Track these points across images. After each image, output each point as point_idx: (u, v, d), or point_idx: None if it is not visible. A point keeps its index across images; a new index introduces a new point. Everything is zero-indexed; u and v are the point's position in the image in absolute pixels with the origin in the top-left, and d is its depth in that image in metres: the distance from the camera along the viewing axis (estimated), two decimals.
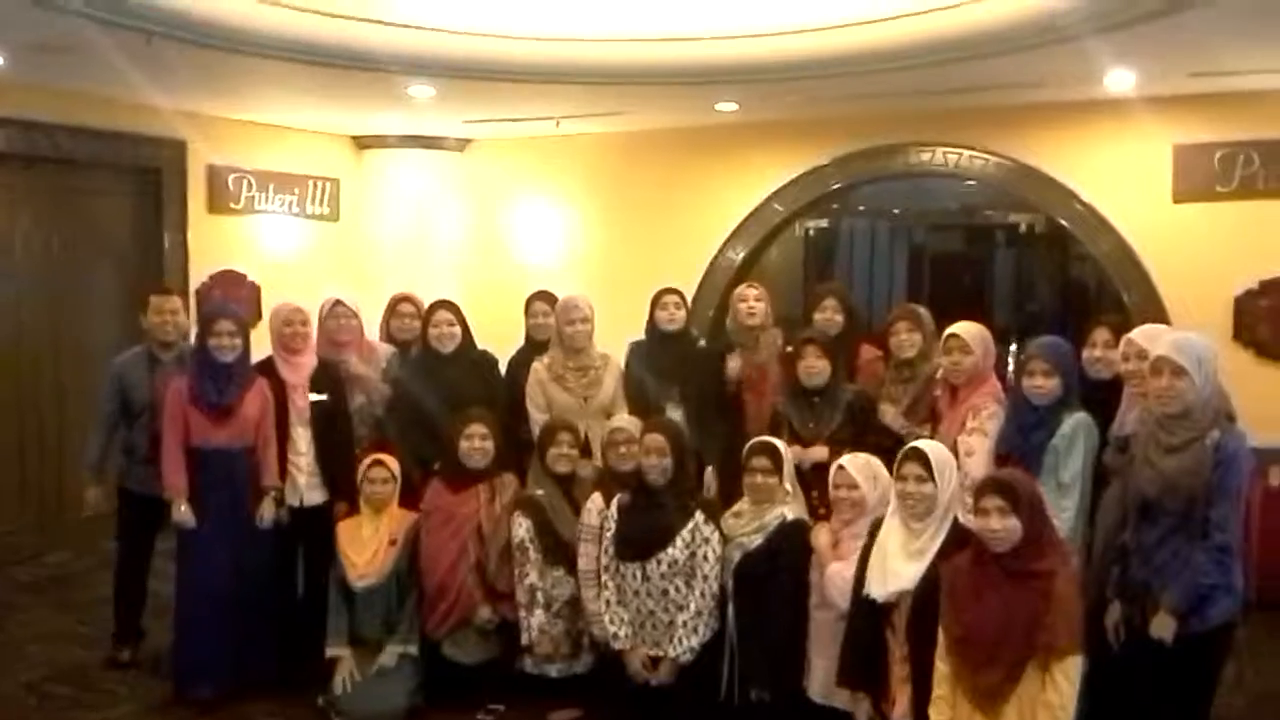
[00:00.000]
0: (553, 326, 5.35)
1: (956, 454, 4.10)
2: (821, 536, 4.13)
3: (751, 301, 5.27)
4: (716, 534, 4.30)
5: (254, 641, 4.80)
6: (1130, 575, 3.59)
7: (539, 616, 4.57)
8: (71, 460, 6.73)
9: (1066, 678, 3.26)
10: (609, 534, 4.42)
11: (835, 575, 3.99)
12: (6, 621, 5.63)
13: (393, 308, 5.52)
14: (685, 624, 4.27)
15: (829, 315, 5.16)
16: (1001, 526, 3.36)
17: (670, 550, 4.28)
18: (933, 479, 3.73)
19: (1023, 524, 3.36)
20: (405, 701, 4.59)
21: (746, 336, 5.27)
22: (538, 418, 5.10)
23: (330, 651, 4.65)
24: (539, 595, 4.58)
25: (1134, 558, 3.58)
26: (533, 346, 5.50)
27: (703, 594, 4.26)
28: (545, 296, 5.60)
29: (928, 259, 10.52)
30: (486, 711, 4.62)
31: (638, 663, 4.32)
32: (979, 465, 4.13)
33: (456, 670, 4.68)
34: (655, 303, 5.32)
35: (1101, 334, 4.31)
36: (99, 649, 5.31)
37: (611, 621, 4.36)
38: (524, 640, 4.59)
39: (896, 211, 9.75)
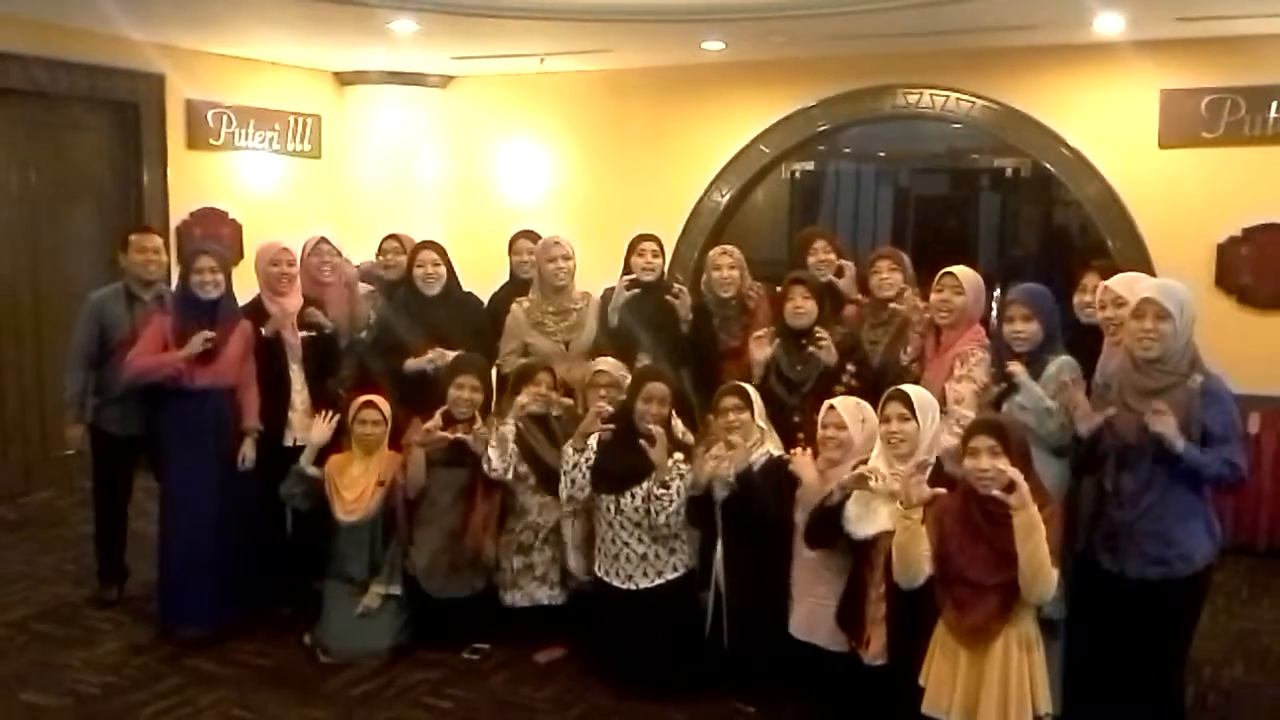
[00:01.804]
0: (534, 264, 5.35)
1: (943, 401, 4.12)
2: (807, 468, 4.12)
3: (725, 270, 5.18)
4: (688, 470, 4.34)
5: (241, 581, 4.81)
6: (1112, 519, 3.62)
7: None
8: (52, 399, 6.68)
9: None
10: (586, 465, 4.46)
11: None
12: None
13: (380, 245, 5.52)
14: (646, 557, 4.35)
15: (820, 258, 5.13)
16: (991, 466, 3.38)
17: (645, 484, 4.32)
18: (915, 418, 3.76)
19: (1011, 465, 3.38)
20: (391, 640, 4.63)
21: (722, 307, 5.22)
22: (511, 361, 5.09)
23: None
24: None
25: (1114, 502, 3.61)
26: (516, 285, 5.49)
27: (669, 521, 4.32)
28: (529, 235, 5.59)
29: (913, 202, 10.54)
30: (471, 650, 4.66)
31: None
32: (968, 409, 4.12)
33: (440, 608, 4.71)
34: (632, 249, 5.27)
35: (1092, 279, 4.31)
36: (84, 587, 5.32)
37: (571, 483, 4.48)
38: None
39: (882, 154, 9.73)
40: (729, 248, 5.32)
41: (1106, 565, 3.64)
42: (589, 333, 5.19)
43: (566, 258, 5.16)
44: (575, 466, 4.48)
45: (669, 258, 5.80)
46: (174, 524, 4.79)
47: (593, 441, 4.48)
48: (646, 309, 5.20)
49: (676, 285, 5.32)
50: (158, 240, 5.19)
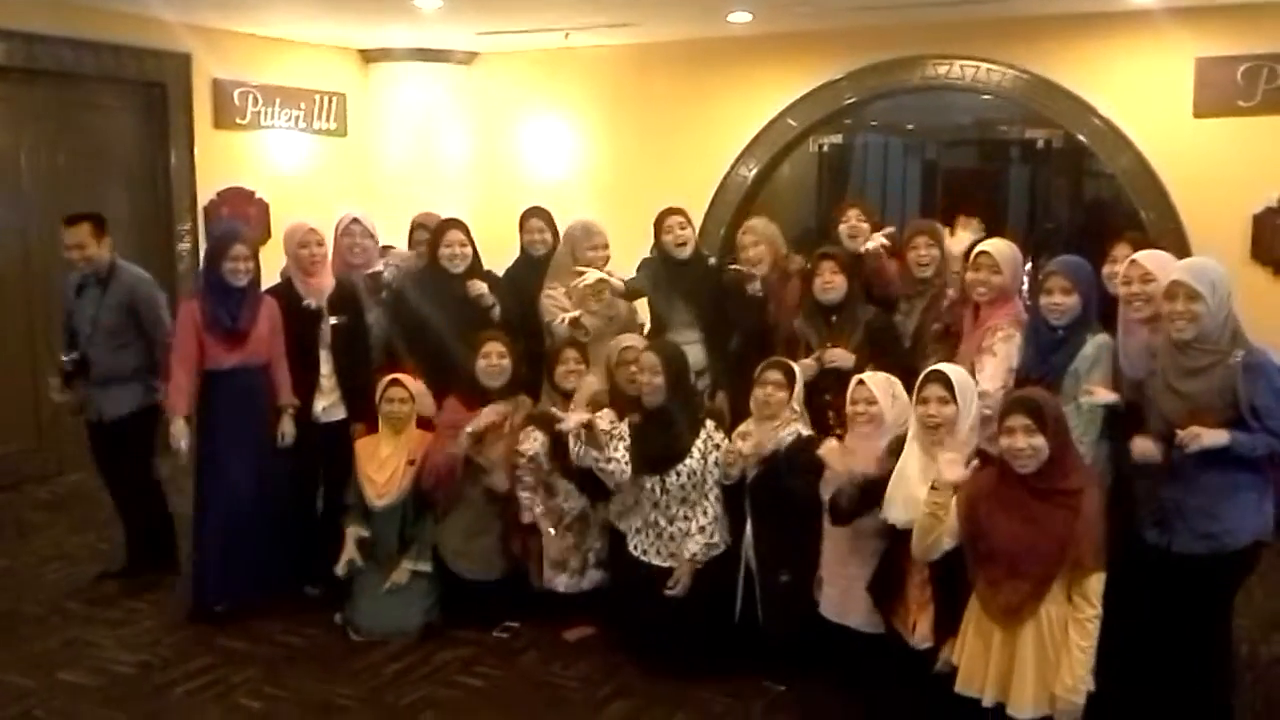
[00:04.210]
0: (546, 242, 5.36)
1: (974, 374, 4.07)
2: (834, 454, 4.06)
3: (750, 249, 5.09)
4: (725, 439, 4.33)
5: (273, 559, 4.83)
6: (1159, 495, 3.56)
7: (547, 521, 4.62)
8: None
9: (1095, 594, 3.26)
10: (623, 445, 4.42)
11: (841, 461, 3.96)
12: (27, 540, 5.66)
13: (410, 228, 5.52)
14: (703, 529, 4.31)
15: (852, 224, 5.05)
16: (1028, 445, 3.33)
17: (688, 462, 4.30)
18: (955, 401, 3.69)
19: (1049, 443, 3.33)
20: (421, 619, 4.64)
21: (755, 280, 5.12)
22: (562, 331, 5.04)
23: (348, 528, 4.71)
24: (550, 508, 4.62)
25: (1162, 478, 3.55)
26: (529, 263, 5.45)
27: (716, 500, 4.31)
28: (540, 213, 5.52)
29: (942, 175, 10.43)
30: (502, 629, 4.66)
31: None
32: (986, 382, 4.04)
33: (469, 588, 4.71)
34: (659, 226, 5.20)
35: (1123, 249, 4.23)
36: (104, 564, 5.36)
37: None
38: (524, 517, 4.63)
39: (911, 127, 9.62)
40: (753, 224, 5.24)
41: (1152, 540, 3.59)
42: (624, 307, 5.17)
43: (605, 246, 5.14)
44: (610, 460, 4.42)
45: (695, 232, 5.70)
46: (208, 502, 4.81)
47: (625, 428, 4.45)
48: (682, 285, 5.15)
49: (733, 267, 5.24)
50: (78, 234, 5.00)
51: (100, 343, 4.98)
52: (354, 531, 4.71)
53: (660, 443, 4.35)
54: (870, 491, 3.78)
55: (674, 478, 4.32)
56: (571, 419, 4.41)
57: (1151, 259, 3.83)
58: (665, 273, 5.19)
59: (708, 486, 4.33)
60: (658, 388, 4.34)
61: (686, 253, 5.18)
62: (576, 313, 5.00)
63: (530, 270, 5.36)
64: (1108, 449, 3.88)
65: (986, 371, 4.08)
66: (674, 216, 5.21)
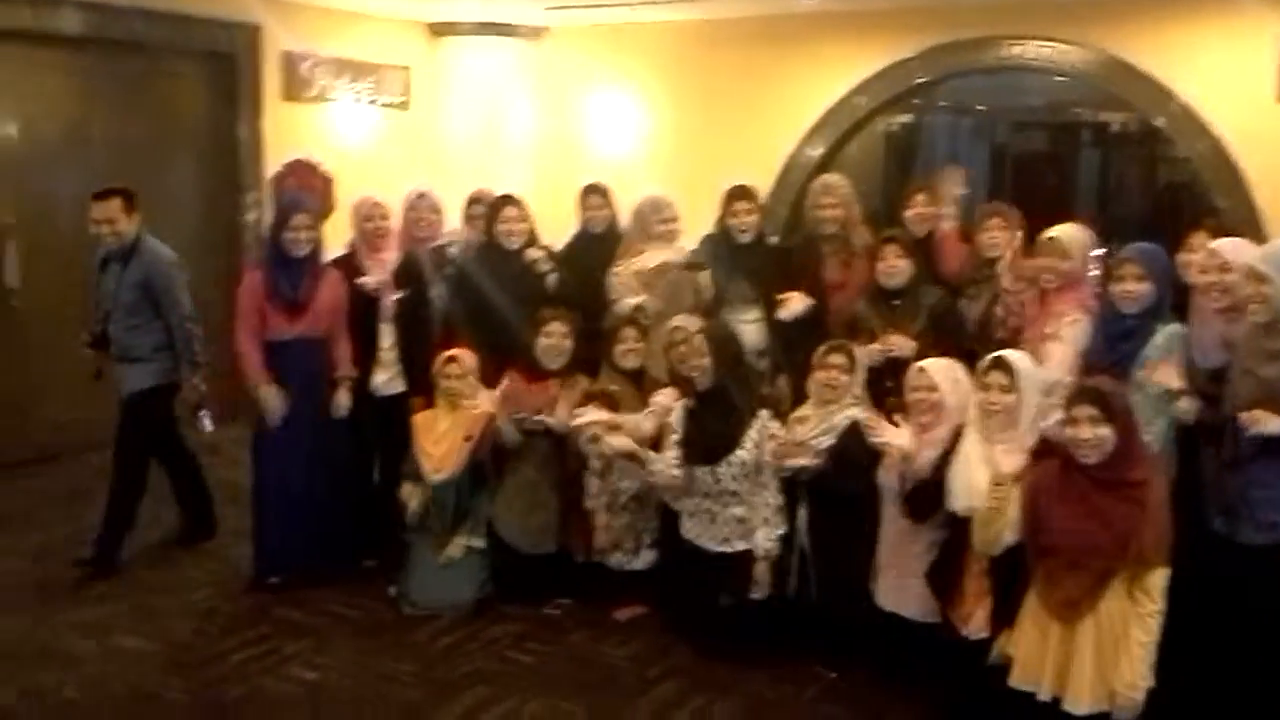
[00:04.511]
0: (606, 219, 5.32)
1: (1038, 359, 3.98)
2: (892, 435, 3.99)
3: (827, 209, 5.01)
4: (781, 429, 4.25)
5: (330, 530, 4.86)
6: (1227, 484, 3.48)
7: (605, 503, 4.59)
8: None
9: (1158, 590, 3.20)
10: (674, 436, 4.37)
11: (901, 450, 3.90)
12: (84, 508, 5.75)
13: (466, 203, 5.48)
14: (766, 521, 4.23)
15: (918, 211, 4.97)
16: (1093, 435, 3.25)
17: (740, 452, 4.23)
18: (1017, 388, 3.61)
19: (1115, 433, 3.25)
20: (473, 593, 4.65)
21: (827, 241, 5.04)
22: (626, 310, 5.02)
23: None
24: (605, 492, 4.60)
25: (1230, 467, 3.46)
26: (587, 238, 5.42)
27: (774, 490, 4.23)
28: (598, 189, 5.46)
29: (1011, 158, 10.25)
30: (553, 606, 4.67)
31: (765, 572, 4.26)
32: (1052, 369, 3.96)
33: (521, 563, 4.71)
34: (725, 208, 5.11)
35: (1200, 238, 4.11)
36: (168, 531, 5.42)
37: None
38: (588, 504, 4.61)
39: (981, 108, 9.45)
40: (832, 183, 5.13)
41: (1218, 529, 3.49)
42: (691, 289, 5.06)
43: (676, 218, 5.09)
44: (654, 471, 4.38)
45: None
46: (267, 473, 4.85)
47: (679, 413, 4.40)
48: (744, 264, 5.05)
49: None
50: (108, 208, 4.93)
51: (120, 319, 4.93)
52: (410, 487, 4.70)
53: (711, 431, 4.28)
54: (941, 485, 3.71)
55: (725, 468, 4.25)
56: (614, 441, 4.40)
57: (1230, 247, 3.73)
58: (727, 251, 5.11)
59: (764, 477, 4.24)
60: (705, 369, 4.28)
61: (749, 238, 5.09)
62: (641, 298, 4.96)
63: (588, 246, 5.33)
64: (1172, 438, 3.79)
65: (1054, 358, 4.00)
66: (740, 201, 5.09)
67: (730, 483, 4.26)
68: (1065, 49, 6.70)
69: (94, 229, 4.94)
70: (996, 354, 3.74)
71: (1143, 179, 9.11)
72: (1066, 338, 4.04)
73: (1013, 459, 3.43)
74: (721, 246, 5.13)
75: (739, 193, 5.13)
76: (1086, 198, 9.57)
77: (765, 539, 4.21)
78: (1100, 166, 9.60)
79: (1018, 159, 9.94)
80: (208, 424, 4.83)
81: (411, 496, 4.68)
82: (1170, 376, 3.69)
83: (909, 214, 4.98)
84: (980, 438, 3.67)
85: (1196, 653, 3.41)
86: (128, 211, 4.95)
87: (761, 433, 4.24)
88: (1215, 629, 3.46)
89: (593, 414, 4.47)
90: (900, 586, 3.93)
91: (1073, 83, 7.18)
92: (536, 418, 4.67)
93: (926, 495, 3.77)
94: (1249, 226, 5.95)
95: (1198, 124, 6.41)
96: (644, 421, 4.52)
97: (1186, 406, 3.67)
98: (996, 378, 3.64)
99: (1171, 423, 3.78)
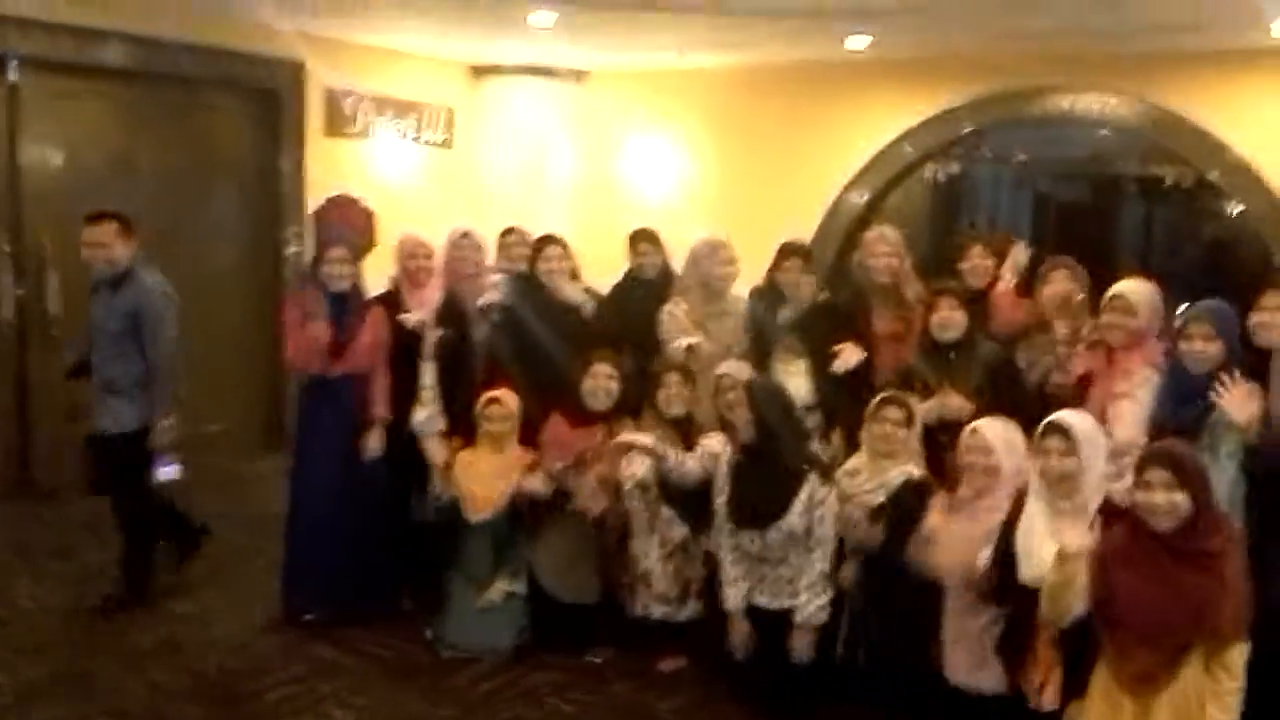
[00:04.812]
0: (656, 264, 5.27)
1: (1106, 420, 3.86)
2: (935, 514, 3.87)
3: (883, 258, 4.90)
4: (832, 494, 4.10)
5: (365, 568, 4.78)
6: None
7: (655, 554, 4.46)
8: (200, 383, 6.77)
9: (1237, 665, 3.05)
10: (723, 493, 4.25)
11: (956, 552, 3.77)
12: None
13: (503, 242, 5.37)
14: (811, 587, 4.08)
15: (974, 263, 4.88)
16: (1166, 501, 3.11)
17: (789, 519, 4.07)
18: (1076, 453, 3.48)
19: (1190, 499, 3.11)
20: (513, 639, 4.55)
21: (880, 291, 4.93)
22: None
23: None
24: (656, 536, 4.47)
25: None
26: (636, 284, 5.35)
27: (823, 556, 4.08)
28: (648, 234, 5.41)
29: (1055, 209, 10.17)
30: (594, 654, 4.55)
31: (741, 634, 4.17)
32: (1125, 430, 3.85)
33: (562, 611, 4.60)
34: (777, 266, 5.02)
35: (1273, 297, 3.97)
36: (215, 568, 5.35)
37: (725, 580, 4.21)
38: (633, 577, 4.49)
39: (1023, 158, 9.38)
40: (885, 230, 5.05)
41: None
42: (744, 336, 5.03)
43: (734, 261, 5.01)
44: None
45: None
46: (299, 505, 4.81)
47: (724, 469, 4.28)
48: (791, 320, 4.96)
49: None
50: (99, 232, 4.73)
51: (104, 349, 4.76)
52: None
53: (759, 494, 4.14)
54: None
55: (774, 534, 4.10)
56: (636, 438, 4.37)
57: None
58: (775, 301, 5.03)
59: (813, 541, 4.09)
60: (747, 422, 4.15)
61: (800, 295, 4.98)
62: (696, 338, 4.87)
63: (636, 290, 5.27)
64: (1245, 503, 3.66)
65: (1125, 419, 3.87)
66: (793, 259, 5.00)
67: (779, 549, 4.12)
68: (1115, 101, 6.63)
69: (85, 253, 4.77)
70: (1053, 416, 3.58)
71: (1196, 235, 8.99)
72: (1139, 397, 3.90)
73: (1079, 530, 3.29)
74: (770, 297, 5.05)
75: (792, 251, 5.07)
76: (1148, 254, 9.45)
77: (809, 608, 4.07)
78: (1159, 222, 9.50)
79: (1064, 210, 9.85)
80: (170, 471, 4.65)
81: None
82: (1241, 410, 3.54)
83: (965, 266, 4.88)
84: (1044, 506, 3.54)
85: None
86: (123, 237, 4.77)
87: (812, 497, 4.09)
88: None
89: (637, 437, 4.41)
90: (971, 659, 3.75)
91: (1122, 135, 7.11)
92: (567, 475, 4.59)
93: (1000, 583, 3.61)
94: None
95: (1254, 179, 6.31)
96: (689, 460, 4.42)
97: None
98: (1054, 442, 3.51)
99: (1242, 483, 3.65)
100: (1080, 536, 3.27)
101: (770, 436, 4.14)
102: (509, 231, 5.44)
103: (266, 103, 7.25)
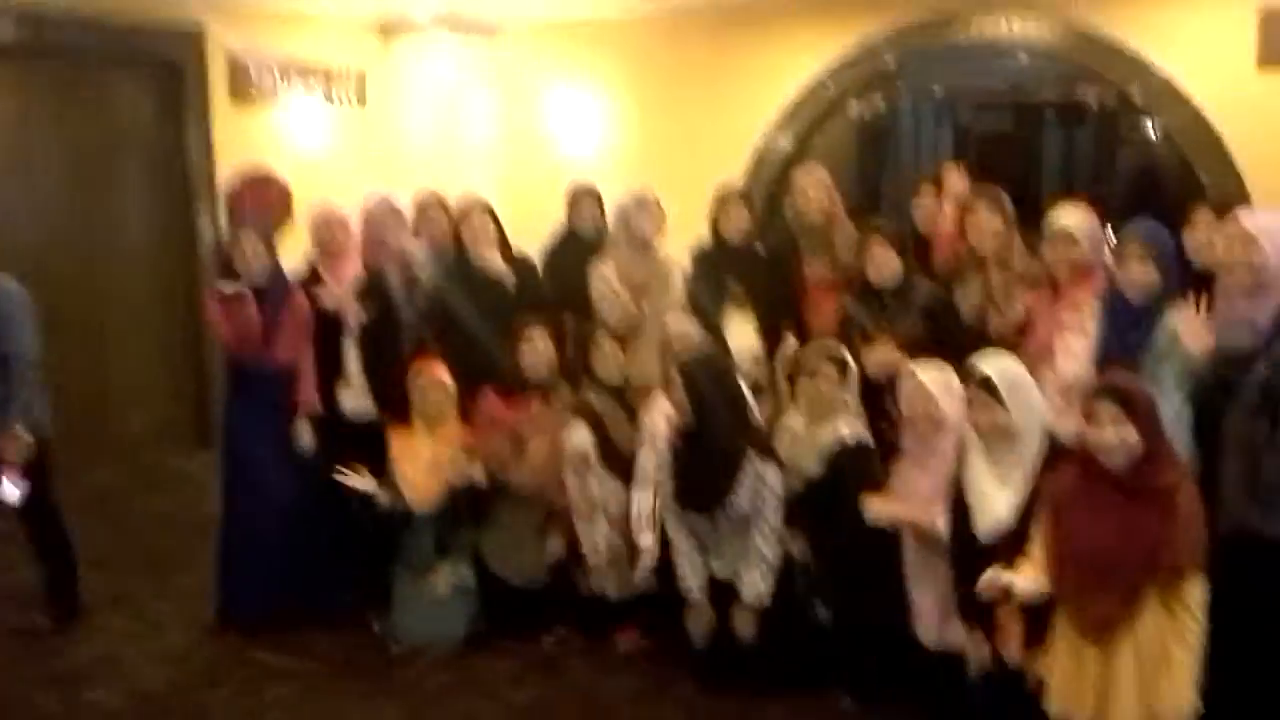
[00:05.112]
0: (597, 220, 5.15)
1: (1053, 353, 3.80)
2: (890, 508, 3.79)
3: (810, 192, 4.80)
4: (772, 468, 3.98)
5: (306, 566, 4.61)
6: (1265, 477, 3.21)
7: (601, 528, 4.35)
8: (116, 371, 6.55)
9: (1195, 601, 2.99)
10: (666, 475, 4.13)
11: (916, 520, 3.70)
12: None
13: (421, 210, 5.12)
14: (754, 566, 3.99)
15: (923, 205, 4.78)
16: (1117, 437, 3.05)
17: (733, 501, 3.96)
18: (1003, 404, 3.39)
19: (1140, 434, 3.05)
20: (465, 628, 4.43)
21: (810, 231, 4.84)
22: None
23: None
24: (598, 507, 4.36)
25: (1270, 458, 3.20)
26: (575, 241, 5.21)
27: (766, 536, 3.98)
28: (591, 192, 5.30)
29: (976, 140, 10.13)
30: (550, 636, 4.44)
31: (703, 621, 4.06)
32: (1077, 367, 3.79)
33: (513, 594, 4.48)
34: (718, 208, 4.91)
35: (1203, 213, 3.88)
36: (149, 573, 5.16)
37: (682, 569, 4.09)
38: (584, 553, 4.39)
39: (950, 89, 9.30)
40: (814, 169, 4.95)
41: (1255, 524, 3.22)
42: (678, 291, 4.89)
43: (658, 213, 4.88)
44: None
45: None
46: (233, 507, 4.63)
47: (663, 453, 4.15)
48: (736, 268, 4.86)
49: None
50: None
51: None
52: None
53: (699, 477, 4.01)
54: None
55: (722, 516, 3.99)
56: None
57: (1255, 220, 3.43)
58: (718, 256, 4.91)
59: (759, 521, 3.97)
60: (684, 407, 4.00)
61: (740, 239, 4.88)
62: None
63: (577, 248, 5.13)
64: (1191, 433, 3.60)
65: (1075, 353, 3.79)
66: (734, 202, 4.92)
67: (729, 525, 4.01)
68: (1036, 24, 6.53)
69: None
70: (977, 369, 3.48)
71: (1123, 155, 8.97)
72: (1089, 330, 3.82)
73: (1028, 584, 3.19)
74: (713, 252, 4.93)
75: (732, 195, 4.98)
76: (1081, 175, 9.43)
77: (753, 589, 3.98)
78: (1076, 144, 9.48)
79: (983, 140, 9.80)
80: (13, 491, 4.33)
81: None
82: (1199, 336, 3.47)
83: (919, 202, 4.77)
84: (982, 457, 3.47)
85: (1241, 665, 3.21)
86: None
87: (754, 477, 3.96)
88: (1257, 638, 3.26)
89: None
90: (939, 618, 3.68)
91: (1042, 60, 7.03)
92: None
93: (957, 538, 3.53)
94: (1235, 200, 5.79)
95: (1177, 95, 6.25)
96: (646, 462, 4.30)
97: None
98: (979, 395, 3.43)
99: (1188, 413, 3.60)
100: (1027, 586, 3.18)
101: (708, 419, 3.98)
102: (427, 197, 5.20)
103: (167, 75, 6.91)
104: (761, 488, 3.95)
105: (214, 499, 4.82)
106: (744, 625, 3.98)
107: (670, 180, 5.21)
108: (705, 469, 3.98)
